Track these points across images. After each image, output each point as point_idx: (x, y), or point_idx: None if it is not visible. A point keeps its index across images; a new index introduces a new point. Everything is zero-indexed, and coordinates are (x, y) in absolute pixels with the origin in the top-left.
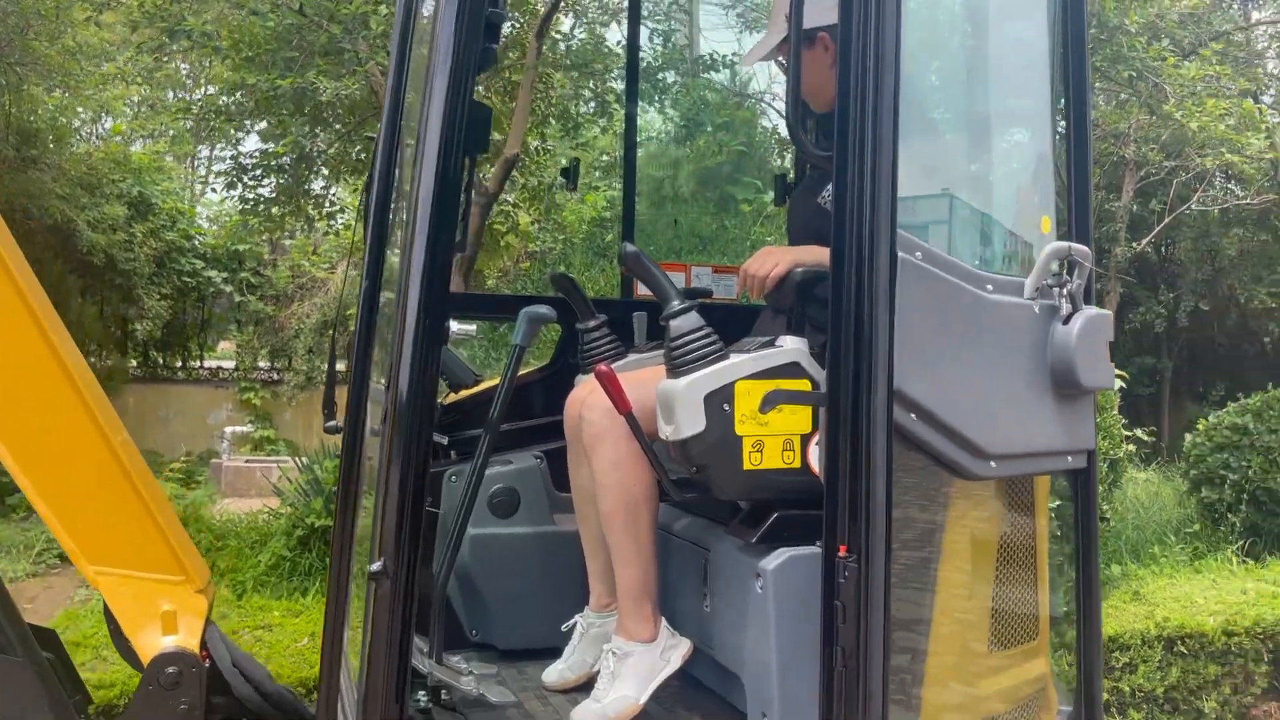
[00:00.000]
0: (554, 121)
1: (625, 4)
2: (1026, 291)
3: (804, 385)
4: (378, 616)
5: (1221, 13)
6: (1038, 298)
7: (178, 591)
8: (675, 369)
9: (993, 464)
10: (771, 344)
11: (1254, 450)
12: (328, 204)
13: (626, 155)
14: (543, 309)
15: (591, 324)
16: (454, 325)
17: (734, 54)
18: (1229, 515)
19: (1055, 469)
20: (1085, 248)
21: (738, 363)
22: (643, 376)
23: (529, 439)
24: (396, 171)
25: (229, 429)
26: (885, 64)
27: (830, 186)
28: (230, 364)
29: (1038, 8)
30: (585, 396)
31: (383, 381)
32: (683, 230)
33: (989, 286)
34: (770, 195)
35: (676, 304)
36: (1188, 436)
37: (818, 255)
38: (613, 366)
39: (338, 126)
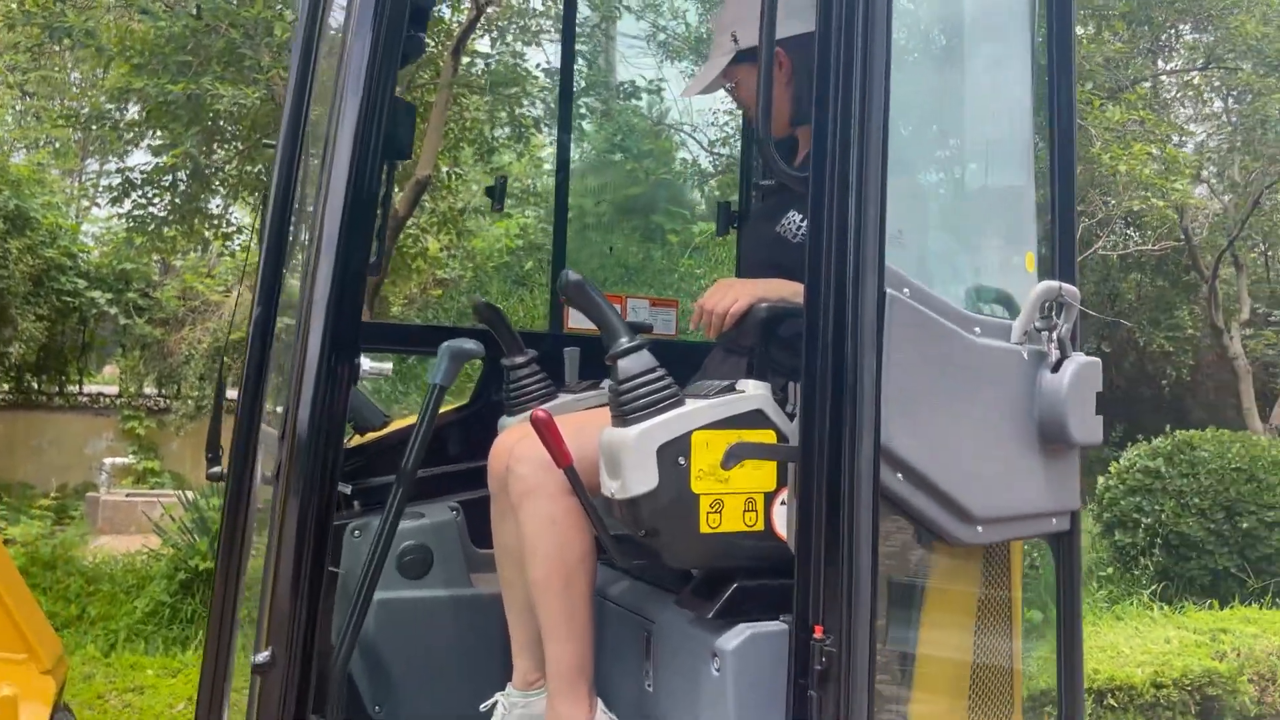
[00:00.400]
0: (467, 145)
1: (546, 25)
2: (1014, 335)
3: (768, 436)
4: (264, 712)
5: (1141, 58)
6: (1025, 342)
7: (20, 672)
8: (623, 416)
9: (979, 529)
10: (731, 389)
11: (1166, 494)
12: (225, 224)
13: (559, 176)
14: (469, 344)
15: (519, 360)
16: (366, 362)
17: (655, 80)
18: (1142, 559)
19: (1040, 532)
20: (1074, 288)
21: (694, 410)
22: (580, 421)
23: (443, 488)
24: (298, 185)
25: (109, 460)
26: (874, 72)
27: (792, 214)
28: (113, 390)
29: (1020, 30)
30: (514, 445)
31: (278, 423)
32: (609, 261)
33: (977, 329)
34: (699, 226)
35: (625, 341)
36: (1100, 479)
37: (783, 290)
38: (545, 408)
39: (236, 143)
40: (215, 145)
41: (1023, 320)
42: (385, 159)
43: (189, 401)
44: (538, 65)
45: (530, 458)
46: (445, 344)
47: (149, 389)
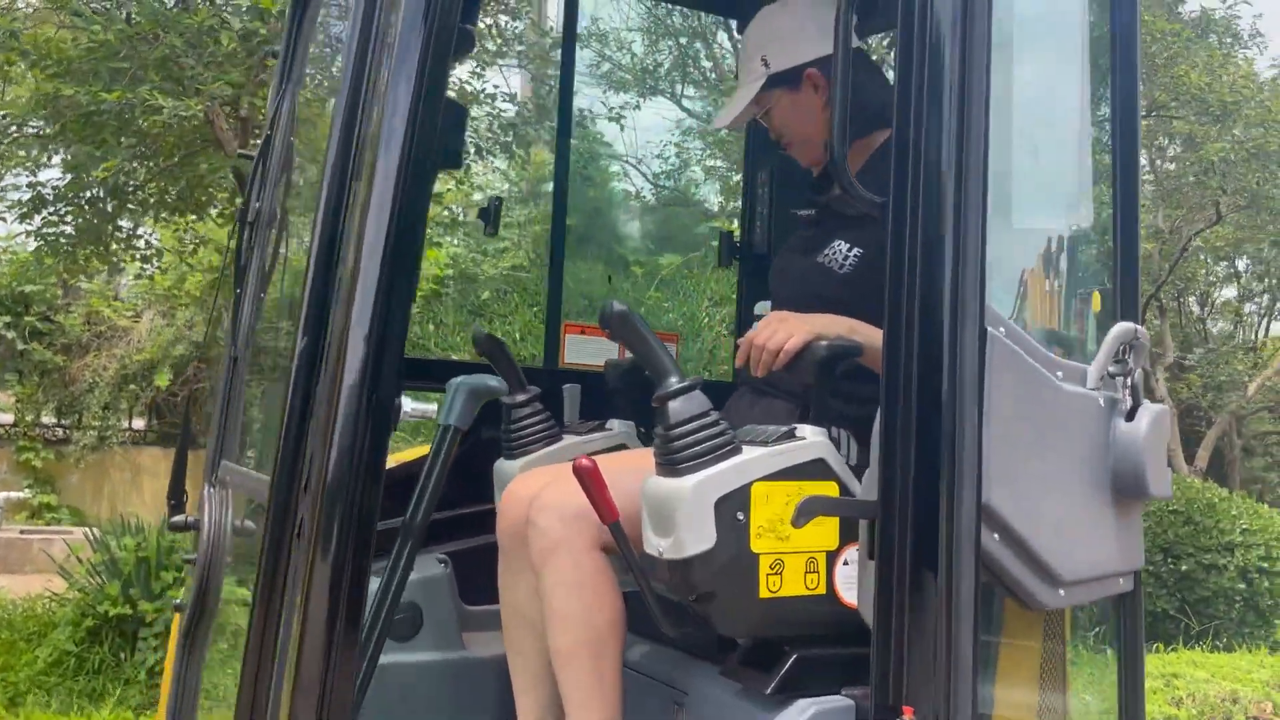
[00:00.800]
0: None
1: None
2: (1090, 380)
3: (830, 489)
4: None
5: None
6: (1100, 388)
7: None
8: (674, 465)
9: (1062, 592)
10: (791, 435)
11: None
12: (143, 245)
13: (555, 204)
14: (490, 380)
15: (521, 398)
16: (408, 403)
17: (616, 110)
18: None
19: (1111, 593)
20: (1144, 329)
21: (753, 459)
22: (610, 468)
23: (430, 537)
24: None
25: (1, 494)
26: (973, 75)
27: (838, 243)
28: (8, 419)
29: (1075, 58)
30: (536, 494)
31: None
32: (572, 292)
33: (1059, 373)
34: (665, 258)
35: (675, 381)
36: None
37: (839, 326)
38: (549, 451)
39: (157, 159)
40: (140, 161)
41: (1099, 364)
42: (440, 167)
43: (91, 432)
44: (485, 90)
45: (555, 508)
46: (459, 380)
47: (47, 418)
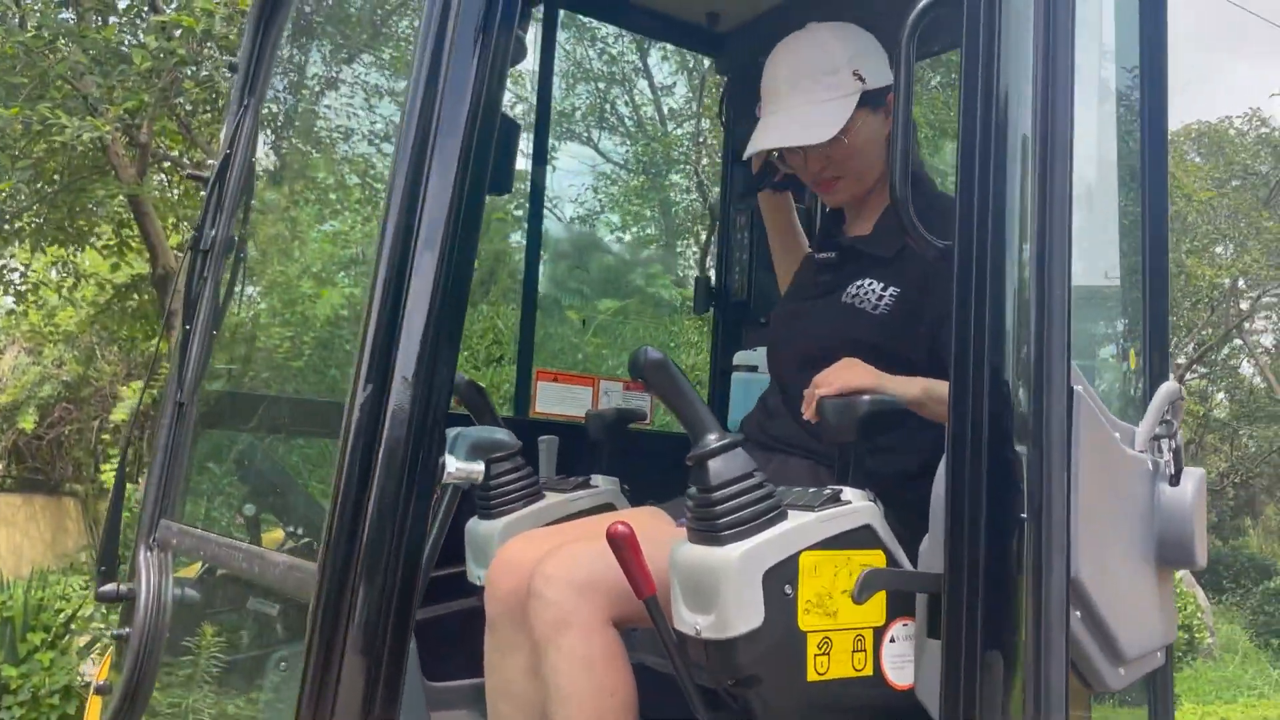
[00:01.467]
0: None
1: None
2: (1139, 442)
3: (877, 559)
4: None
5: None
6: (1147, 451)
7: None
8: (717, 533)
9: (1122, 671)
10: (836, 499)
11: None
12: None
13: (529, 245)
14: (499, 434)
15: (500, 451)
16: (452, 463)
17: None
18: None
19: (1152, 668)
20: (1181, 388)
21: (801, 525)
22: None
23: None
24: (218, 230)
25: None
26: (1058, 107)
27: (868, 282)
28: None
29: (1108, 96)
30: (538, 562)
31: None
32: (504, 336)
33: (1118, 434)
34: (603, 303)
35: (715, 438)
36: None
37: (903, 387)
38: (532, 511)
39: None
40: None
41: (1148, 425)
42: (492, 191)
43: None
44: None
45: (562, 579)
46: (458, 431)
47: None
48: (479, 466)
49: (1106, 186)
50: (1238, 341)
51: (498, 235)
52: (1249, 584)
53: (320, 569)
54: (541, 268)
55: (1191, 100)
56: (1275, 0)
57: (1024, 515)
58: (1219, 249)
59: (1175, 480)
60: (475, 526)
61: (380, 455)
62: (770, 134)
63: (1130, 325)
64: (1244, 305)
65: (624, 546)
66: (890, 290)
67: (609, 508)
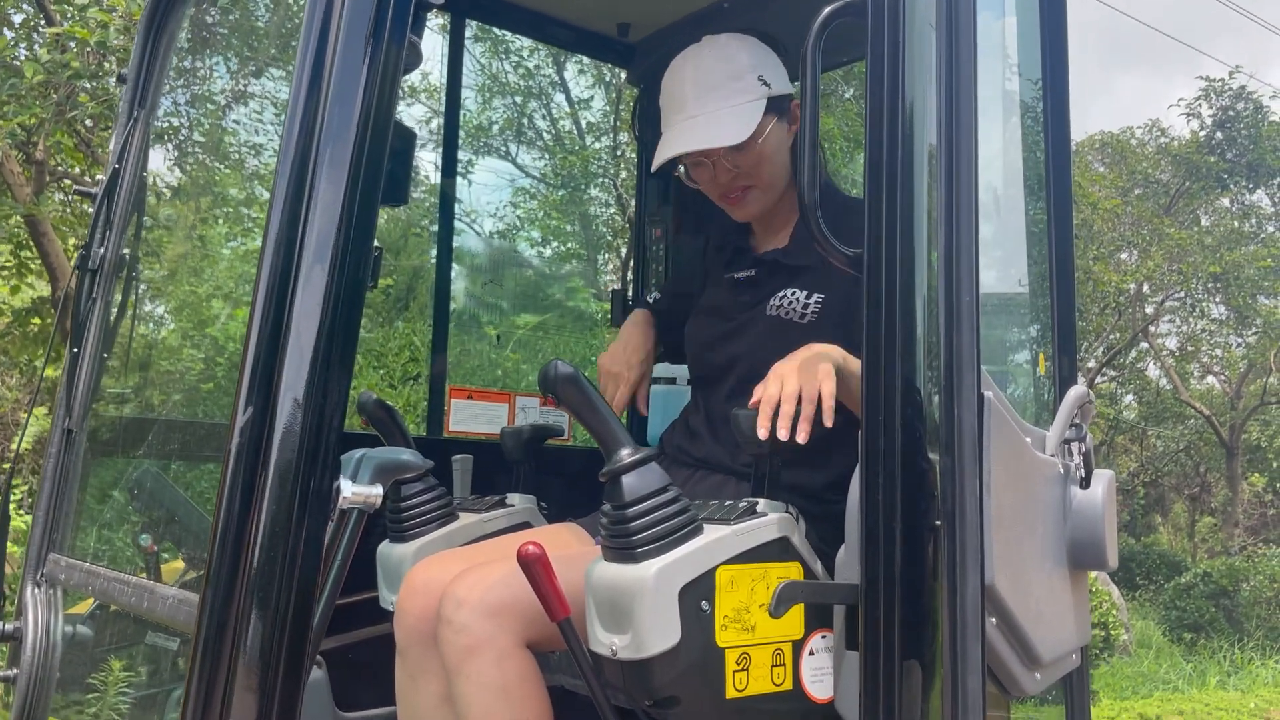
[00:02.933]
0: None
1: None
2: (1050, 446)
3: (794, 571)
4: None
5: None
6: (1057, 455)
7: None
8: (631, 549)
9: (1038, 675)
10: (752, 511)
11: None
12: None
13: (440, 257)
14: (405, 454)
15: (409, 474)
16: (348, 486)
17: (464, 165)
18: None
19: (1068, 671)
20: (1090, 392)
21: (717, 539)
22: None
23: None
24: (108, 248)
25: None
26: (962, 117)
27: (792, 292)
28: None
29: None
30: (447, 585)
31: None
32: (421, 353)
33: (1029, 439)
34: (521, 318)
35: (629, 453)
36: None
37: (835, 354)
38: (446, 533)
39: None
40: None
41: (1057, 429)
42: (385, 203)
43: None
44: None
45: (471, 603)
46: (358, 454)
47: None
48: (377, 490)
49: (1015, 195)
50: (1144, 345)
51: (415, 251)
52: (1161, 580)
53: (201, 601)
54: (459, 283)
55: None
56: (1173, 15)
57: (938, 523)
58: (1124, 255)
59: (1086, 483)
60: (387, 550)
61: (268, 480)
62: (681, 139)
63: (1041, 331)
64: (1149, 310)
65: (535, 567)
66: (815, 297)
67: (525, 526)
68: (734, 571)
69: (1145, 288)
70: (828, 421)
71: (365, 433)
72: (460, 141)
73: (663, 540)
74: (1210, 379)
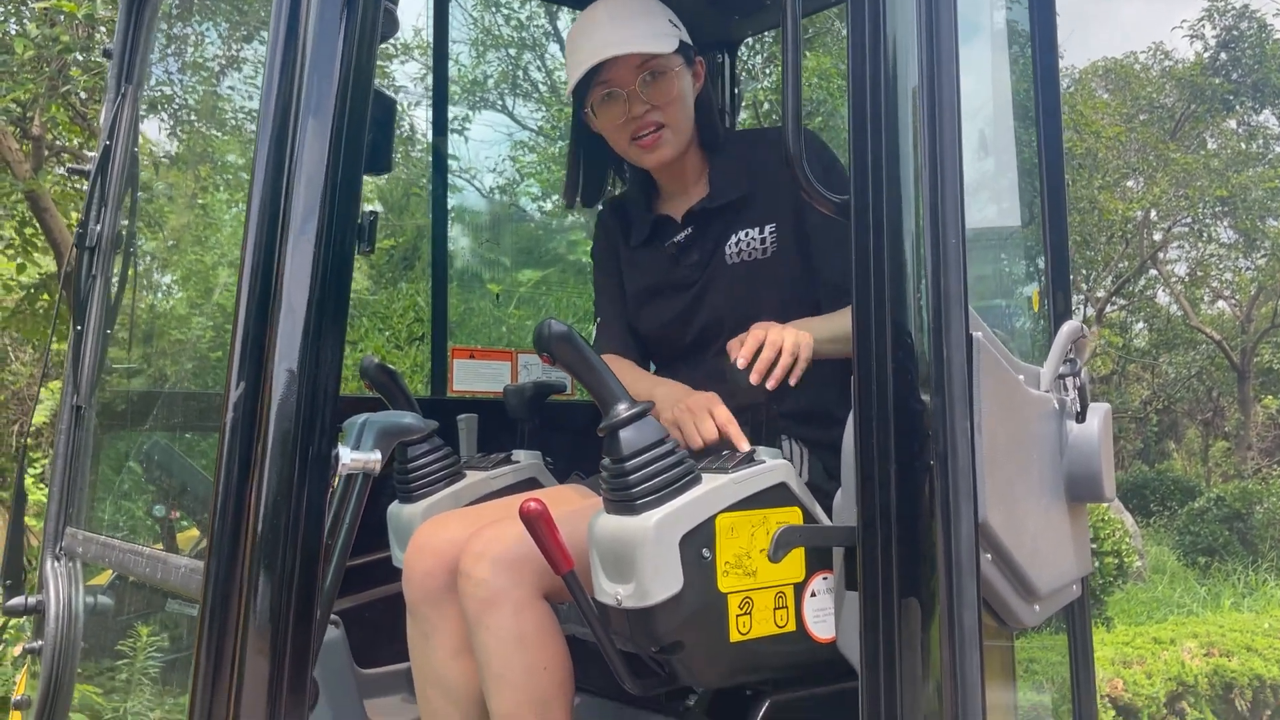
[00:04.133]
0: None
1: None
2: (1044, 383)
3: (794, 515)
4: None
5: None
6: (1052, 390)
7: None
8: (630, 501)
9: (1037, 608)
10: (750, 459)
11: None
12: None
13: (435, 209)
14: (407, 418)
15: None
16: (347, 453)
17: (457, 121)
18: None
19: (1069, 601)
20: (1085, 327)
21: (716, 488)
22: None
23: None
24: (103, 224)
25: None
26: (944, 52)
27: (746, 234)
28: None
29: (996, 58)
30: (457, 543)
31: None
32: (426, 313)
33: (1022, 376)
34: (525, 274)
35: (625, 407)
36: None
37: (831, 327)
38: (453, 491)
39: None
40: None
41: (1052, 365)
42: (368, 172)
43: None
44: None
45: (490, 557)
46: (361, 418)
47: None
48: (376, 455)
49: (1009, 128)
50: (1153, 272)
51: (418, 211)
52: (1175, 505)
53: (205, 570)
54: (461, 241)
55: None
56: None
57: (931, 463)
58: (1130, 183)
59: (1081, 417)
60: (396, 511)
61: (266, 450)
62: (602, 50)
63: (1040, 266)
64: (1157, 237)
65: (537, 523)
66: (768, 228)
67: (532, 483)
68: (734, 518)
69: (1152, 215)
70: (792, 380)
71: (370, 397)
72: (456, 97)
73: (662, 491)
74: (1220, 304)
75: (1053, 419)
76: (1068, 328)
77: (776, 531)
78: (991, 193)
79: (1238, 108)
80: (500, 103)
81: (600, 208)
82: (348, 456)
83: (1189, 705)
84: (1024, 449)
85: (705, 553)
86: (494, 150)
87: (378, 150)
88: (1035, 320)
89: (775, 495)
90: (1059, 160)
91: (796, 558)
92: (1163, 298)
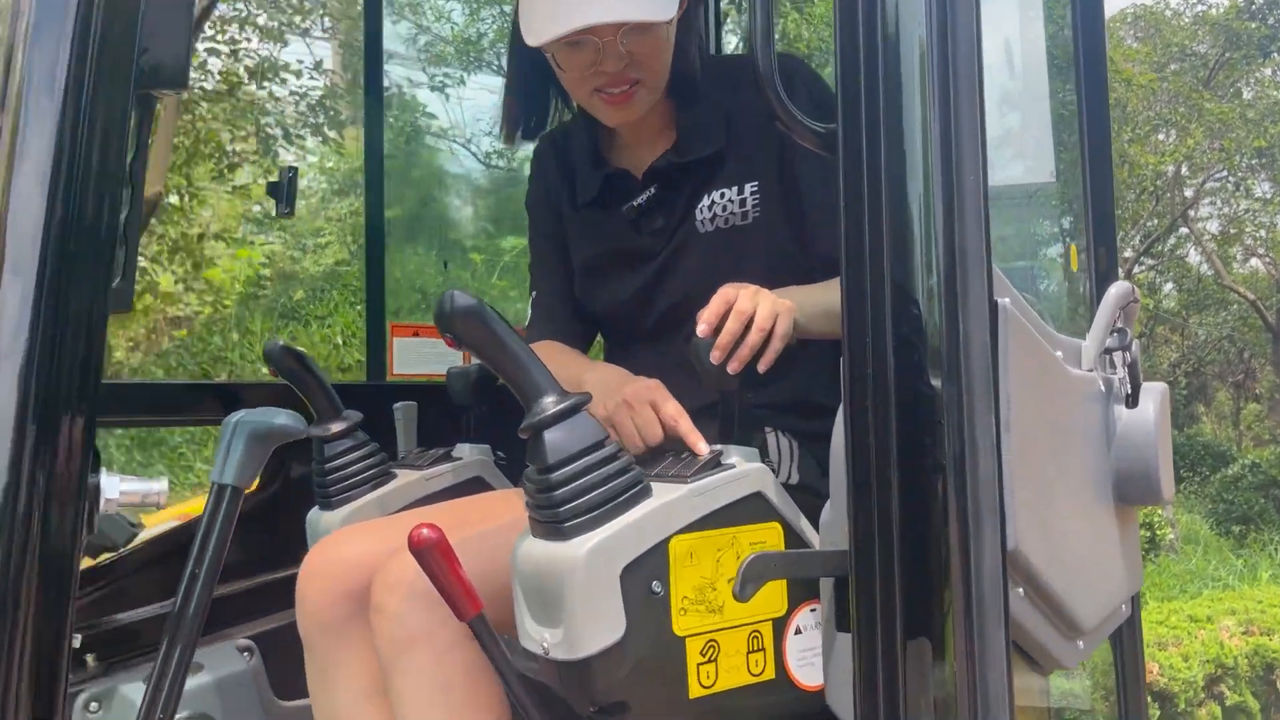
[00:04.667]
0: (203, 161)
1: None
2: (1087, 360)
3: (772, 533)
4: None
5: None
6: (1097, 368)
7: None
8: (559, 524)
9: (1080, 644)
10: (717, 463)
11: None
12: None
13: (369, 169)
14: (278, 417)
15: (336, 429)
16: (115, 483)
17: (438, 78)
18: None
19: (1117, 625)
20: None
21: (670, 502)
22: (463, 522)
23: (226, 618)
24: None
25: None
26: None
27: (721, 195)
28: None
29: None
30: (375, 563)
31: None
32: (404, 285)
33: (1060, 353)
34: (508, 242)
35: (553, 401)
36: None
37: (822, 297)
38: (381, 495)
39: None
40: None
41: (1096, 336)
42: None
43: None
44: (291, 65)
45: (408, 587)
46: (236, 417)
47: None
48: (159, 486)
49: (1040, 80)
50: (1183, 230)
51: (413, 175)
52: (1206, 472)
53: None
54: (438, 209)
55: None
56: None
57: (944, 466)
58: (1160, 136)
59: (1133, 400)
60: (315, 519)
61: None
62: (592, 9)
63: (1074, 223)
64: (1188, 193)
65: (429, 557)
66: (749, 187)
67: (477, 483)
68: (693, 541)
69: (1184, 169)
70: (762, 364)
71: (276, 382)
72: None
73: (598, 509)
74: (1254, 262)
75: (1098, 404)
76: (1116, 290)
77: (744, 561)
78: (1023, 146)
79: (1275, 54)
80: (495, 63)
81: (537, 141)
82: (115, 489)
83: (1228, 689)
84: (1064, 445)
85: (656, 586)
86: (486, 115)
87: (172, 59)
88: (1072, 283)
89: (748, 509)
90: (1103, 103)
91: (778, 587)
92: (1194, 257)
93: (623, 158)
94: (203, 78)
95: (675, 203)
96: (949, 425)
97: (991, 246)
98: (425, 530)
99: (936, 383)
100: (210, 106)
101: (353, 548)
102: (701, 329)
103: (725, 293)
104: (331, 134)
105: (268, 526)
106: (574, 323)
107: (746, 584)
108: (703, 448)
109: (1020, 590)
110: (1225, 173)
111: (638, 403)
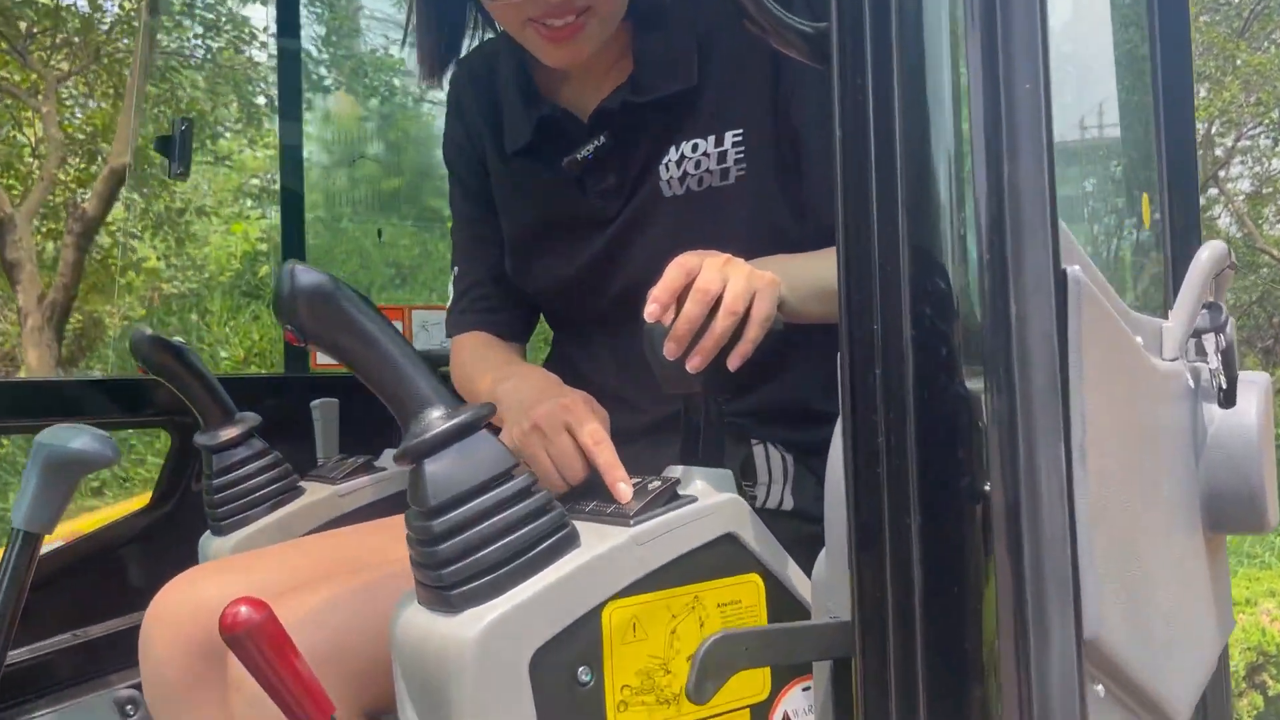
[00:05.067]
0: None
1: None
2: (1170, 347)
3: (749, 588)
4: None
5: None
6: (1182, 357)
7: None
8: (443, 590)
9: None
10: (673, 495)
11: None
12: None
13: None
14: (76, 441)
15: (228, 435)
16: None
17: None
18: None
19: (1204, 688)
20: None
21: (604, 554)
22: (362, 550)
23: (104, 665)
24: None
25: None
26: None
27: (696, 143)
28: None
29: None
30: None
31: None
32: (372, 260)
33: (1140, 339)
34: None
35: (440, 416)
36: None
37: (810, 269)
38: (279, 518)
39: None
40: None
41: (1183, 315)
42: None
43: None
44: (265, 29)
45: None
46: (44, 437)
47: None
48: None
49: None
50: (1214, 191)
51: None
52: None
53: None
54: (410, 184)
55: None
56: None
57: (990, 510)
58: None
59: (1228, 398)
60: (205, 545)
61: None
62: None
63: (1145, 174)
64: (1218, 153)
65: (246, 648)
66: (732, 136)
67: (400, 500)
68: (636, 607)
69: (1215, 127)
70: (733, 360)
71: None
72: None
73: (499, 569)
74: None
75: (1186, 404)
76: (1209, 251)
77: (701, 647)
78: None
79: None
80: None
81: (452, 67)
82: None
83: (1270, 677)
84: (1151, 470)
85: (583, 674)
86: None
87: None
88: (1137, 250)
89: (715, 557)
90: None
91: (761, 670)
92: (1224, 221)
93: (563, 93)
94: (182, 47)
95: (632, 155)
96: (997, 453)
97: (1055, 190)
98: (243, 609)
99: (975, 387)
100: (190, 75)
101: (211, 589)
102: (651, 310)
103: (685, 262)
104: (309, 96)
105: (158, 551)
106: (507, 307)
107: (705, 680)
108: (623, 490)
109: (1100, 688)
110: (1260, 128)
111: (550, 427)
